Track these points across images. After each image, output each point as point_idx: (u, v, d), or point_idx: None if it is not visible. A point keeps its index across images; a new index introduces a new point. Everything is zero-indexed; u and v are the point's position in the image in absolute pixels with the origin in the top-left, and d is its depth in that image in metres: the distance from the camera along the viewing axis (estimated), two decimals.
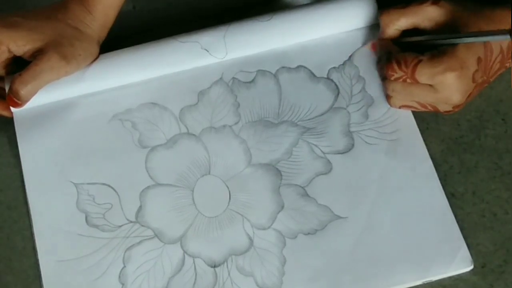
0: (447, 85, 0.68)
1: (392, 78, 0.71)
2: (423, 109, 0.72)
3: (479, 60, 0.68)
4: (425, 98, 0.70)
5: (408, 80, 0.70)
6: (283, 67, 0.76)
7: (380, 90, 0.75)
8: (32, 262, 0.70)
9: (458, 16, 0.70)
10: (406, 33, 0.73)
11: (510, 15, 0.69)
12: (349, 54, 0.77)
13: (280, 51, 0.77)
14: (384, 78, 0.74)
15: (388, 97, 0.74)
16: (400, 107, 0.73)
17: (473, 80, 0.68)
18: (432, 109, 0.71)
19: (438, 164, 0.72)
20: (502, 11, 0.69)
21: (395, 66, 0.70)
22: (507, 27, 0.68)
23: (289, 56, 0.77)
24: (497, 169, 0.72)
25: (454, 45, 0.68)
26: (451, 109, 0.70)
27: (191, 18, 0.80)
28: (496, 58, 0.69)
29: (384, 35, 0.74)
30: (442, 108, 0.71)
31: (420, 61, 0.68)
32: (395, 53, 0.71)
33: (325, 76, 0.76)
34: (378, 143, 0.73)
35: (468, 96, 0.69)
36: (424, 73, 0.68)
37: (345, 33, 0.77)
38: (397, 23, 0.72)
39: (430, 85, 0.69)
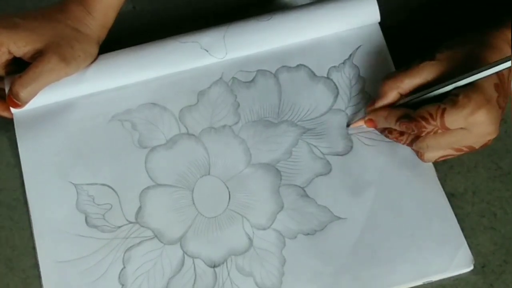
0: (480, 123, 0.65)
1: (424, 134, 0.67)
2: (458, 154, 0.69)
3: (496, 86, 0.66)
4: (461, 142, 0.67)
5: (439, 131, 0.66)
6: (283, 66, 0.76)
7: None
8: (32, 262, 0.70)
9: (460, 56, 0.68)
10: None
11: (506, 36, 0.68)
12: (349, 53, 0.76)
13: (280, 50, 0.76)
14: (413, 140, 0.69)
15: (421, 155, 0.70)
16: (436, 161, 0.70)
17: (500, 107, 0.66)
18: (468, 149, 0.68)
19: (438, 164, 0.72)
20: (494, 33, 0.68)
21: (423, 123, 0.66)
22: (506, 51, 0.67)
23: (289, 56, 0.76)
24: (497, 169, 0.72)
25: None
26: (486, 141, 0.68)
27: (191, 18, 0.80)
28: (508, 78, 0.68)
29: (385, 100, 0.70)
30: (479, 144, 0.68)
31: (444, 109, 0.65)
32: (410, 113, 0.67)
33: (325, 76, 0.76)
34: (377, 144, 0.73)
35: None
36: (454, 120, 0.65)
37: (345, 32, 0.77)
38: (402, 86, 0.69)
39: (462, 128, 0.66)
